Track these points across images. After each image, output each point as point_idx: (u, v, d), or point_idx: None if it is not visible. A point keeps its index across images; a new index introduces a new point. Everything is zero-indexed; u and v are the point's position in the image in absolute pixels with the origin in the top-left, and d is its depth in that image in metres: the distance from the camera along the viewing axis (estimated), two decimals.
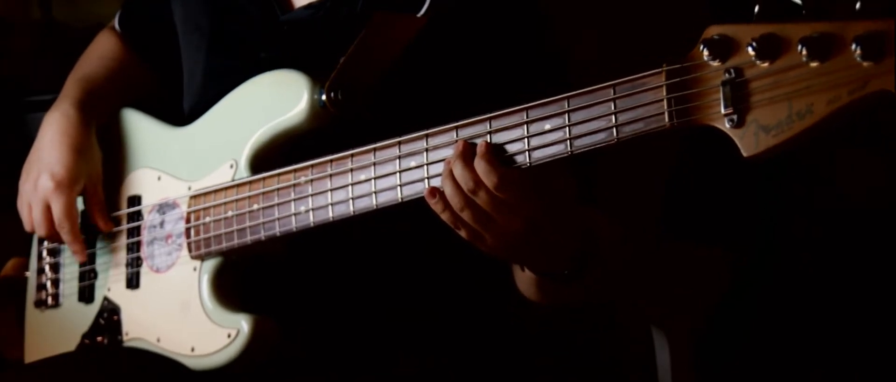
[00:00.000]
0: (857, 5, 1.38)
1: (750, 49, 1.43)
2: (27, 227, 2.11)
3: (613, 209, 1.82)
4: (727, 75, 1.45)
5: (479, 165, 1.62)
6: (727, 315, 2.47)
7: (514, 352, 1.96)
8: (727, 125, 1.45)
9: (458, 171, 1.63)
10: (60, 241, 2.09)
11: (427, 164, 1.71)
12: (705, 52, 1.47)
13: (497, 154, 1.63)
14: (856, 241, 2.52)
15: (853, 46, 1.35)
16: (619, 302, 2.11)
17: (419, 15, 1.86)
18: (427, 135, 1.71)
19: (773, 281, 2.55)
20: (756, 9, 1.46)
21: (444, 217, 1.66)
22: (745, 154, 1.44)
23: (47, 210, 2.04)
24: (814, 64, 1.39)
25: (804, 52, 1.39)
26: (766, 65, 1.43)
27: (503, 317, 1.95)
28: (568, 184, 1.67)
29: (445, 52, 1.86)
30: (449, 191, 1.64)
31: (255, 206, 1.87)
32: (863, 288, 2.52)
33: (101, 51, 2.24)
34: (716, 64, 1.47)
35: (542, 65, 1.85)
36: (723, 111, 1.45)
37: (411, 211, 1.73)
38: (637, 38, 2.16)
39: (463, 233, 1.66)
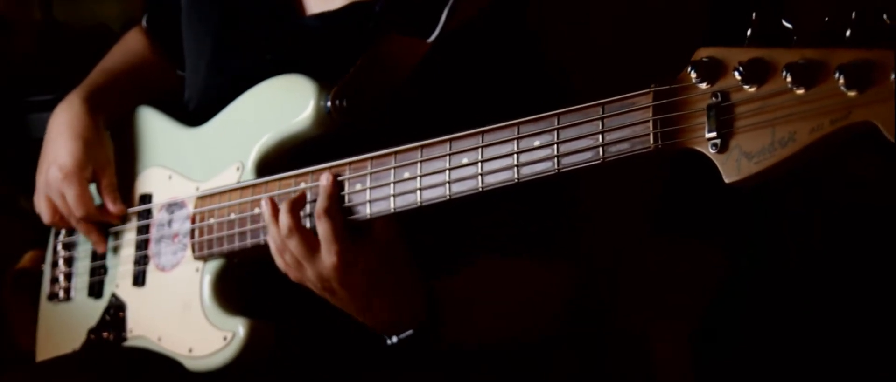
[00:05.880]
0: (848, 32, 1.33)
1: (736, 73, 1.39)
2: (45, 220, 2.13)
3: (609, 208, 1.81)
4: (714, 99, 1.42)
5: (283, 217, 1.73)
6: (724, 314, 2.43)
7: (513, 355, 1.94)
8: (711, 150, 1.42)
9: (281, 217, 1.74)
10: (85, 226, 2.09)
11: (420, 176, 1.69)
12: (693, 75, 1.44)
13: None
14: (854, 238, 2.46)
15: (837, 75, 1.31)
16: (618, 302, 2.08)
17: (429, 40, 1.85)
18: (422, 147, 1.70)
19: (769, 279, 2.49)
20: (749, 32, 1.42)
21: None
22: (726, 180, 1.41)
23: (62, 199, 2.07)
24: (799, 91, 1.35)
25: (789, 78, 1.35)
26: (752, 90, 1.39)
27: None
28: (390, 240, 1.73)
29: (449, 74, 1.86)
30: (272, 232, 1.76)
31: (257, 210, 1.87)
32: (861, 286, 2.45)
33: (126, 47, 2.27)
34: (703, 87, 1.43)
35: (543, 97, 1.84)
36: (707, 135, 1.42)
37: (408, 219, 1.73)
38: (635, 62, 2.13)
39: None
